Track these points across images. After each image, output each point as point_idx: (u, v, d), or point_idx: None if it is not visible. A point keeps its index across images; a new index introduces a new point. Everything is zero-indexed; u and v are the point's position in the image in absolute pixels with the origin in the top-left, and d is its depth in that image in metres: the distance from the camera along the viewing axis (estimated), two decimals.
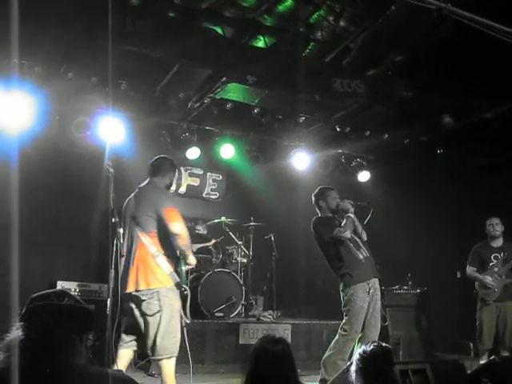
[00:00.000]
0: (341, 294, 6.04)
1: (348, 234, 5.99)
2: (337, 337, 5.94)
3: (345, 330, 5.88)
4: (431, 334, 8.62)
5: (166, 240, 4.93)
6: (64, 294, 2.30)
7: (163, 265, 4.83)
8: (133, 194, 5.24)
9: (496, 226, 7.18)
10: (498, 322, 6.98)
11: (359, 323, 5.86)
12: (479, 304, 7.18)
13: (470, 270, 7.31)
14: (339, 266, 6.06)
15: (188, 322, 4.98)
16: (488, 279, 7.05)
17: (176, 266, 4.96)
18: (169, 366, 4.82)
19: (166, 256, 4.90)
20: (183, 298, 4.92)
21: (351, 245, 6.06)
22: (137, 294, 4.75)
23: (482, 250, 7.31)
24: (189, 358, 5.04)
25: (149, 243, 4.85)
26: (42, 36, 5.94)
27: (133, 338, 4.93)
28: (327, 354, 5.89)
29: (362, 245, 6.19)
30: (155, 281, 4.78)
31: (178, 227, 4.90)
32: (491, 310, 7.04)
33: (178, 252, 4.96)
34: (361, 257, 6.06)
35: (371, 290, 5.94)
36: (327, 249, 6.17)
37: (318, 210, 6.49)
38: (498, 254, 7.13)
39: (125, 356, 4.93)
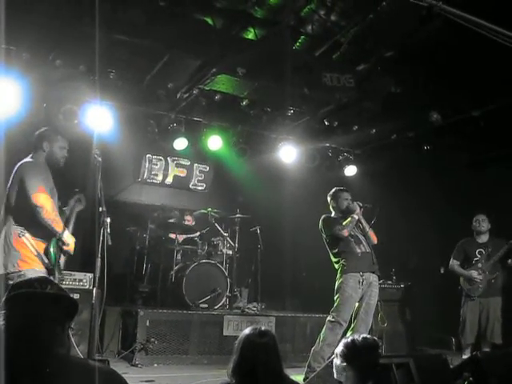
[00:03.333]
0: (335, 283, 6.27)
1: (345, 232, 6.25)
2: (325, 325, 6.11)
3: (332, 317, 6.06)
4: (414, 328, 8.68)
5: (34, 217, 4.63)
6: (47, 281, 2.28)
7: (29, 245, 4.60)
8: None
9: (482, 222, 7.26)
10: (480, 317, 7.06)
11: (347, 311, 6.06)
12: (463, 299, 7.25)
13: (454, 262, 7.41)
14: (337, 259, 6.36)
15: None
16: (474, 273, 7.12)
17: (48, 246, 4.70)
18: None
19: (35, 235, 4.66)
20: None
21: (352, 240, 6.33)
22: (6, 276, 4.53)
23: (468, 245, 7.39)
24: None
25: (14, 221, 4.65)
26: (31, 23, 5.91)
27: None
28: (316, 342, 6.03)
29: (363, 241, 6.43)
30: (22, 263, 4.55)
31: (40, 198, 4.61)
32: (475, 305, 7.12)
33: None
34: (358, 250, 6.29)
35: (364, 282, 6.13)
36: (329, 245, 6.48)
37: (331, 209, 6.75)
38: (482, 250, 7.20)
39: None
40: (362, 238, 6.44)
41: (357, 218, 6.37)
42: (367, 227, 6.52)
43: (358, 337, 3.18)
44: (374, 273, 6.30)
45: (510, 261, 7.02)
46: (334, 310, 6.10)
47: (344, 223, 6.33)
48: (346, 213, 6.50)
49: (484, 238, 7.29)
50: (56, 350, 2.06)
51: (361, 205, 6.50)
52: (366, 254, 6.33)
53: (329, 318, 6.10)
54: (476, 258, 7.21)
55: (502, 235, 7.08)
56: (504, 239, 7.03)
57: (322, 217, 6.59)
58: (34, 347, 2.00)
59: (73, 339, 4.66)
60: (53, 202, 4.71)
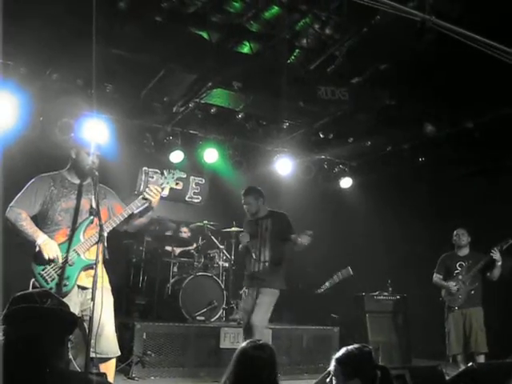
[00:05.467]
0: None
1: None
2: None
3: None
4: (410, 339, 8.70)
5: None
6: (47, 294, 2.28)
7: None
8: None
9: (462, 236, 7.41)
10: (464, 327, 7.19)
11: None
12: (446, 311, 7.41)
13: (436, 277, 7.56)
14: None
15: None
16: (451, 284, 7.27)
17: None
18: None
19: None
20: None
21: (253, 254, 6.53)
22: None
23: (448, 258, 7.54)
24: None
25: None
26: (28, 38, 5.94)
27: None
28: None
29: (262, 256, 6.50)
30: None
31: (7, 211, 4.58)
32: (457, 316, 7.26)
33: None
34: (252, 270, 6.52)
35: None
36: None
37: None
38: (463, 263, 7.34)
39: None
40: (262, 252, 6.53)
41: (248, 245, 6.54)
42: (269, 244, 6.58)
43: (351, 346, 3.19)
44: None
45: (488, 274, 7.12)
46: None
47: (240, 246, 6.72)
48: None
49: (465, 251, 7.43)
50: (55, 364, 2.07)
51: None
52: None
53: None
54: (456, 271, 7.35)
55: (497, 245, 7.13)
56: (483, 253, 7.16)
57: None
58: (34, 362, 2.01)
59: (70, 352, 4.63)
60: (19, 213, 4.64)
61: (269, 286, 6.31)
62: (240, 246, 6.69)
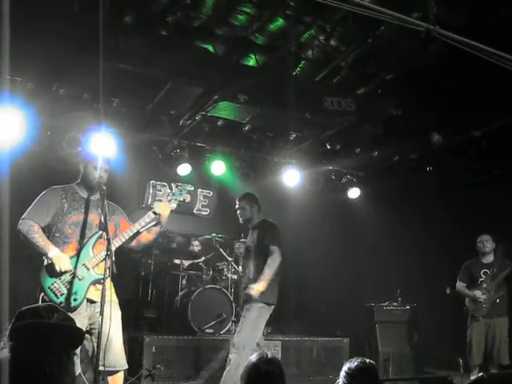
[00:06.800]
0: None
1: None
2: None
3: None
4: (421, 350, 8.64)
5: None
6: (53, 309, 2.27)
7: None
8: None
9: (486, 243, 7.26)
10: (487, 337, 7.04)
11: None
12: (469, 320, 7.23)
13: (460, 285, 7.40)
14: None
15: None
16: (478, 293, 7.12)
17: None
18: None
19: None
20: None
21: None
22: None
23: (473, 266, 7.38)
24: None
25: None
26: (35, 54, 5.99)
27: None
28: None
29: (247, 270, 6.27)
30: None
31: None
32: (480, 326, 7.10)
33: None
34: (242, 285, 6.32)
35: None
36: None
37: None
38: (487, 270, 7.19)
39: None
40: (251, 264, 6.23)
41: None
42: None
43: (356, 360, 3.18)
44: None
45: None
46: None
47: None
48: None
49: (489, 259, 7.28)
50: (62, 381, 2.06)
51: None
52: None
53: None
54: (481, 279, 7.20)
55: (507, 255, 7.08)
56: (508, 259, 7.03)
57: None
58: (40, 378, 2.00)
59: (80, 367, 4.62)
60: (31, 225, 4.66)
61: (252, 301, 5.87)
62: None
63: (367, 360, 3.22)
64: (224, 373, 5.81)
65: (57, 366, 2.06)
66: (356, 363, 3.16)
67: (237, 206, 6.38)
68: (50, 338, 2.10)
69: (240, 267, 6.26)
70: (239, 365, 5.48)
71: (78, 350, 4.36)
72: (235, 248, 6.27)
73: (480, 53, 4.33)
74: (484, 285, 7.15)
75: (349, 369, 3.16)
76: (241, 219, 6.39)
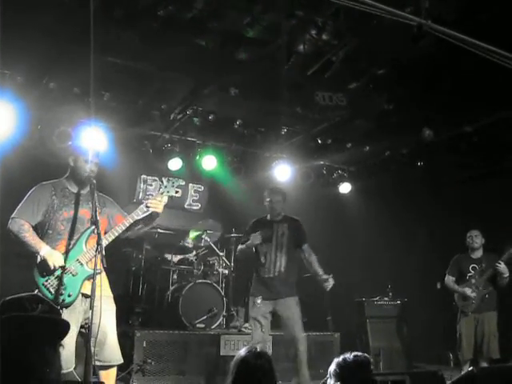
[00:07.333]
0: None
1: (237, 258, 6.76)
2: None
3: None
4: (411, 344, 8.67)
5: None
6: (37, 299, 2.24)
7: None
8: None
9: (475, 238, 7.28)
10: (476, 332, 7.07)
11: (253, 332, 6.29)
12: (459, 315, 7.26)
13: (449, 279, 7.43)
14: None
15: None
16: (468, 291, 7.14)
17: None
18: None
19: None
20: None
21: (259, 261, 6.42)
22: None
23: (462, 260, 7.41)
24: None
25: None
26: (25, 47, 5.93)
27: None
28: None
29: (272, 265, 6.39)
30: None
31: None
32: (470, 320, 7.13)
33: None
34: (261, 276, 6.38)
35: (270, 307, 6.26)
36: None
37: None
38: (476, 265, 7.23)
39: None
40: (278, 258, 6.40)
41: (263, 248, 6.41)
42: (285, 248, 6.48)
43: (350, 355, 3.17)
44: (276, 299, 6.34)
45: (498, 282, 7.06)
46: None
47: (240, 247, 6.56)
48: (273, 216, 6.58)
49: (478, 254, 7.31)
50: (46, 374, 2.04)
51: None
52: (273, 279, 6.35)
53: None
54: (470, 274, 7.24)
55: (497, 250, 7.09)
56: (497, 255, 7.05)
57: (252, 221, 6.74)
58: (23, 372, 1.98)
59: (74, 362, 4.59)
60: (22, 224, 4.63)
61: (291, 295, 6.30)
62: (243, 246, 6.52)
63: (361, 354, 3.22)
64: (304, 368, 6.11)
65: (40, 359, 2.03)
66: (350, 357, 3.15)
67: (270, 199, 6.52)
68: (33, 330, 2.07)
69: (262, 258, 6.27)
70: None
71: (72, 344, 4.35)
72: (253, 237, 6.22)
73: (472, 48, 4.33)
74: (473, 280, 7.19)
75: (343, 362, 3.14)
76: (273, 211, 6.56)
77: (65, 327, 2.24)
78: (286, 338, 6.47)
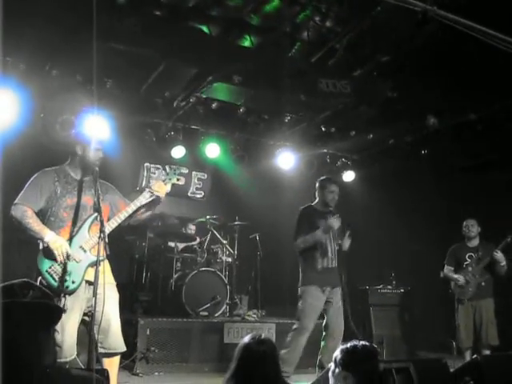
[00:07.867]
0: None
1: (299, 248, 6.31)
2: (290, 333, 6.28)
3: (295, 325, 6.31)
4: (414, 332, 8.68)
5: None
6: (28, 285, 2.23)
7: None
8: None
9: (471, 228, 7.35)
10: (474, 320, 7.12)
11: (307, 318, 6.20)
12: (456, 304, 7.33)
13: (447, 269, 7.49)
14: (301, 264, 6.47)
15: None
16: (460, 278, 7.21)
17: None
18: None
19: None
20: None
21: (317, 251, 6.28)
22: None
23: (458, 250, 7.48)
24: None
25: None
26: (27, 34, 5.91)
27: None
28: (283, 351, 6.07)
29: (330, 254, 6.35)
30: None
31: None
32: (467, 308, 7.19)
33: None
34: (319, 266, 6.26)
35: (327, 295, 6.25)
36: None
37: (316, 196, 6.66)
38: (472, 254, 7.29)
39: None
40: (330, 249, 6.36)
41: (320, 234, 6.20)
42: (338, 240, 6.47)
43: (358, 344, 3.16)
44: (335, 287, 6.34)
45: (496, 270, 7.07)
46: (296, 319, 6.37)
47: (306, 237, 6.22)
48: (328, 206, 6.44)
49: (474, 243, 7.37)
50: (39, 359, 2.02)
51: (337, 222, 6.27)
52: (328, 270, 6.32)
53: (292, 327, 6.33)
54: (466, 262, 7.30)
55: (500, 239, 7.08)
56: (494, 243, 7.08)
57: (300, 209, 6.52)
58: (16, 358, 1.96)
59: (76, 349, 4.60)
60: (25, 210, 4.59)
61: (340, 286, 6.41)
62: (309, 236, 6.22)
63: (366, 343, 3.21)
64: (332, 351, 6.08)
65: (31, 345, 2.02)
66: (355, 345, 3.14)
67: (332, 189, 6.47)
68: (24, 316, 2.06)
69: (320, 248, 6.24)
70: None
71: (74, 331, 4.36)
72: (330, 222, 6.12)
73: (478, 34, 4.28)
74: (469, 268, 7.24)
75: (347, 351, 3.13)
76: (333, 202, 6.48)
77: (58, 311, 2.24)
78: (325, 325, 6.40)
